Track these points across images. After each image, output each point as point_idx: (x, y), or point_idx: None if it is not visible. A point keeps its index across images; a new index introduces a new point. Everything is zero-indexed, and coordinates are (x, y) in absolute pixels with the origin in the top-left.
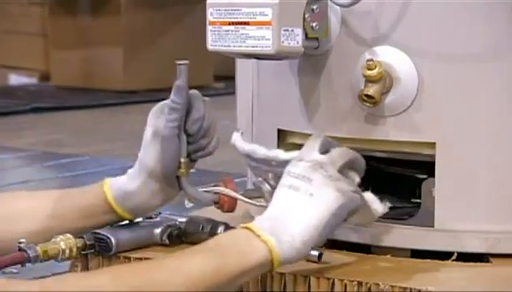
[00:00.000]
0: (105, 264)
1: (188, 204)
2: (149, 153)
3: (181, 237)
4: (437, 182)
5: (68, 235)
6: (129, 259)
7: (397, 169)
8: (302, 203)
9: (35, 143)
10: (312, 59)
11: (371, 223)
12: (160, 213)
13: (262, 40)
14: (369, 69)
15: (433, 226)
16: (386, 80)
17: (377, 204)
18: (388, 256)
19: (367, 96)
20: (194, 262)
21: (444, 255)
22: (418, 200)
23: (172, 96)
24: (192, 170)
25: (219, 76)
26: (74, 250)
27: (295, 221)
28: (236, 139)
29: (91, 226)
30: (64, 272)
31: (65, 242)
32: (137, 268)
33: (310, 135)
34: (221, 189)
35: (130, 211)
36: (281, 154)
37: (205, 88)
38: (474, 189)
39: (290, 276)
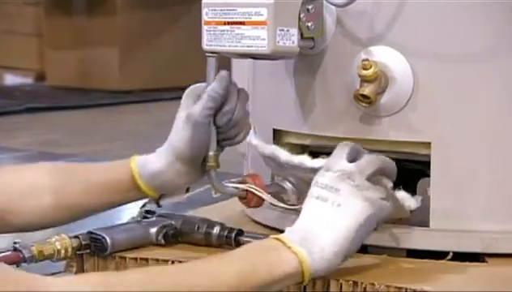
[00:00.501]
0: (101, 264)
1: (215, 194)
2: (180, 136)
3: (177, 237)
4: (432, 181)
5: (63, 235)
6: (124, 259)
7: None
8: (330, 214)
9: (30, 144)
10: (307, 59)
11: (407, 217)
12: (154, 213)
13: (257, 40)
14: (365, 69)
15: (428, 226)
16: (381, 80)
17: (409, 201)
18: (384, 256)
19: (362, 95)
20: (223, 268)
21: (439, 255)
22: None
23: (214, 84)
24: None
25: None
26: (70, 250)
27: (324, 232)
28: (252, 137)
29: (117, 202)
30: (59, 273)
31: (60, 243)
32: (166, 270)
33: (306, 134)
34: (249, 186)
35: (155, 188)
36: (307, 161)
37: None
38: (470, 189)
39: None
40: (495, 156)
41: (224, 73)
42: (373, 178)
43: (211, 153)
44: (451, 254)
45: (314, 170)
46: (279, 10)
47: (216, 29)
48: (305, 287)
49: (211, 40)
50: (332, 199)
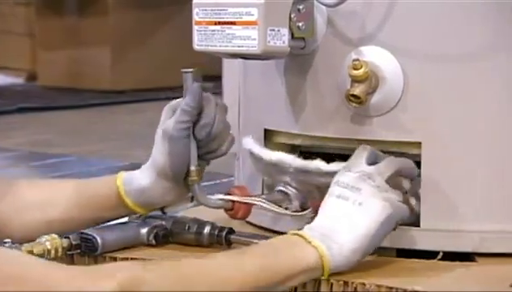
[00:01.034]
0: (91, 264)
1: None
2: (159, 152)
3: (168, 237)
4: (422, 181)
5: (53, 235)
6: (115, 259)
7: None
8: (351, 213)
9: (22, 144)
10: (298, 59)
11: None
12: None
13: (248, 40)
14: (355, 69)
15: (418, 226)
16: (371, 80)
17: (418, 206)
18: (374, 256)
19: (353, 95)
20: (245, 260)
21: (430, 255)
22: None
23: (186, 97)
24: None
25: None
26: (60, 250)
27: (344, 229)
28: (252, 145)
29: (106, 218)
30: None
31: (51, 243)
32: (191, 260)
33: (297, 134)
34: (235, 197)
35: (143, 205)
36: (323, 166)
37: None
38: (460, 189)
39: None
40: (487, 155)
41: (195, 86)
42: (392, 181)
43: (192, 168)
44: (441, 254)
45: (330, 174)
46: (270, 10)
47: (207, 29)
48: (295, 288)
49: (202, 40)
50: (354, 198)
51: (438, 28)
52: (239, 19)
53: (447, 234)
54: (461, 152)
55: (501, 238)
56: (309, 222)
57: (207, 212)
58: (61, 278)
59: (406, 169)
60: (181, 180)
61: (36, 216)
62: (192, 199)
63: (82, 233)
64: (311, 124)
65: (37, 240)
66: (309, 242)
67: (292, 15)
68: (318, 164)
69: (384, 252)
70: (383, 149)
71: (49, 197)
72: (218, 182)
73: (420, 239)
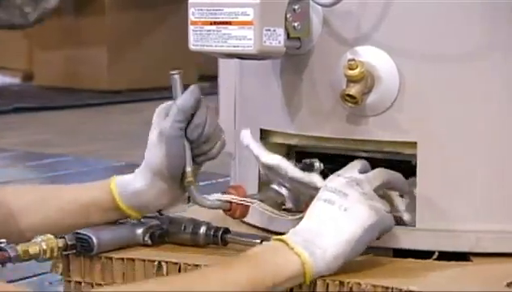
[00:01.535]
0: (87, 265)
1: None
2: (155, 154)
3: (164, 237)
4: (418, 181)
5: (49, 235)
6: (111, 259)
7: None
8: (336, 217)
9: (18, 144)
10: (294, 59)
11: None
12: None
13: (243, 40)
14: (351, 69)
15: (414, 226)
16: (367, 80)
17: (406, 216)
18: (370, 256)
19: (349, 95)
20: (234, 273)
21: (426, 255)
22: None
23: (184, 96)
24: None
25: (204, 76)
26: (56, 250)
27: (328, 234)
28: (250, 142)
29: (97, 222)
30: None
31: (46, 242)
32: (178, 277)
33: (293, 134)
34: (232, 197)
35: (138, 209)
36: (318, 182)
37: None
38: (456, 189)
39: None
40: (485, 155)
41: (194, 87)
42: (380, 191)
43: (188, 169)
44: (437, 253)
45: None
46: (266, 10)
47: (203, 29)
48: (291, 288)
49: (198, 40)
50: (340, 202)
51: (434, 28)
52: (235, 19)
53: (443, 234)
54: (457, 152)
55: (498, 238)
56: None
57: (203, 212)
58: None
59: (395, 181)
60: (178, 181)
61: (22, 224)
62: (189, 199)
63: (77, 233)
64: (307, 124)
65: (33, 240)
66: (292, 249)
67: (288, 15)
68: (314, 178)
69: (380, 252)
70: (379, 149)
71: (32, 202)
72: (214, 182)
73: (415, 239)
